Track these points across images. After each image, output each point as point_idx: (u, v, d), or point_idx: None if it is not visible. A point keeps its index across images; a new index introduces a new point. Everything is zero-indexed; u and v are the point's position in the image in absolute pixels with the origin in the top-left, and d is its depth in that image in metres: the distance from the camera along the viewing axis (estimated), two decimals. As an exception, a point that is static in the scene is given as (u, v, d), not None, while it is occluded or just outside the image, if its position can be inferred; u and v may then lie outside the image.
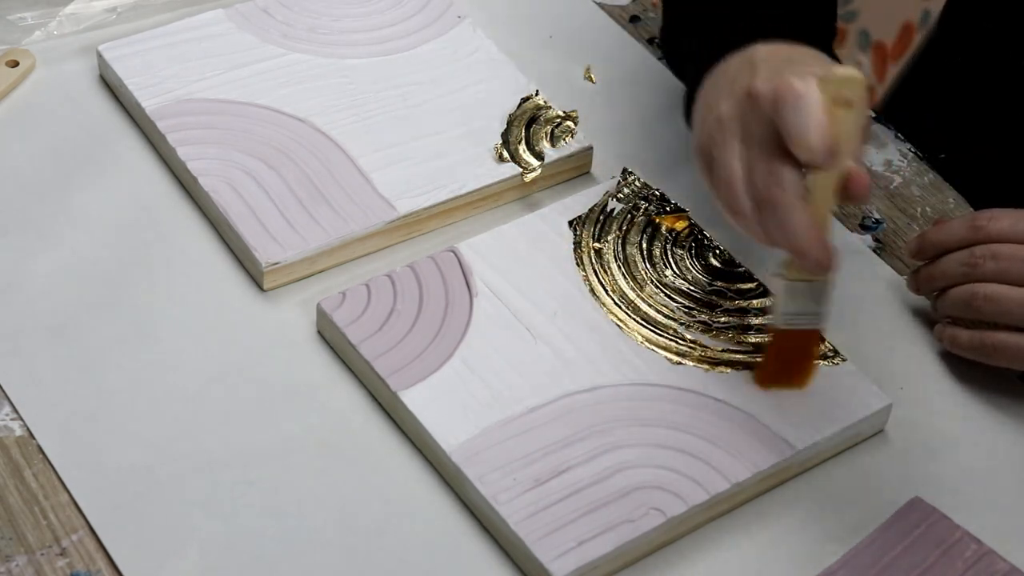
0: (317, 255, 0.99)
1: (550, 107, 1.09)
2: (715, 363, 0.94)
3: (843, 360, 0.95)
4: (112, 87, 1.10)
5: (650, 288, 0.99)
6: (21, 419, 0.91)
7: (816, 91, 0.81)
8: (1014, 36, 1.15)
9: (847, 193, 0.84)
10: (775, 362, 0.92)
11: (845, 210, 1.08)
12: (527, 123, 1.08)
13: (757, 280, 0.99)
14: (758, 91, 0.84)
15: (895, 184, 1.10)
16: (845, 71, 0.83)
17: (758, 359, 0.94)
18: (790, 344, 0.91)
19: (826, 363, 0.95)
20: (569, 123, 1.08)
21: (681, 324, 0.97)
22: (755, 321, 0.97)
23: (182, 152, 1.03)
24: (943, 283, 0.97)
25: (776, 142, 0.83)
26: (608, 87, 1.15)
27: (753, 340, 0.96)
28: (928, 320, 1.00)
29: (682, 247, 1.01)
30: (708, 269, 1.00)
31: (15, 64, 1.10)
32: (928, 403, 0.97)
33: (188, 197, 1.04)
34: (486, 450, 0.89)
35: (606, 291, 0.98)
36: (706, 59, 0.94)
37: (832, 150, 0.81)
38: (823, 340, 0.95)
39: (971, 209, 1.09)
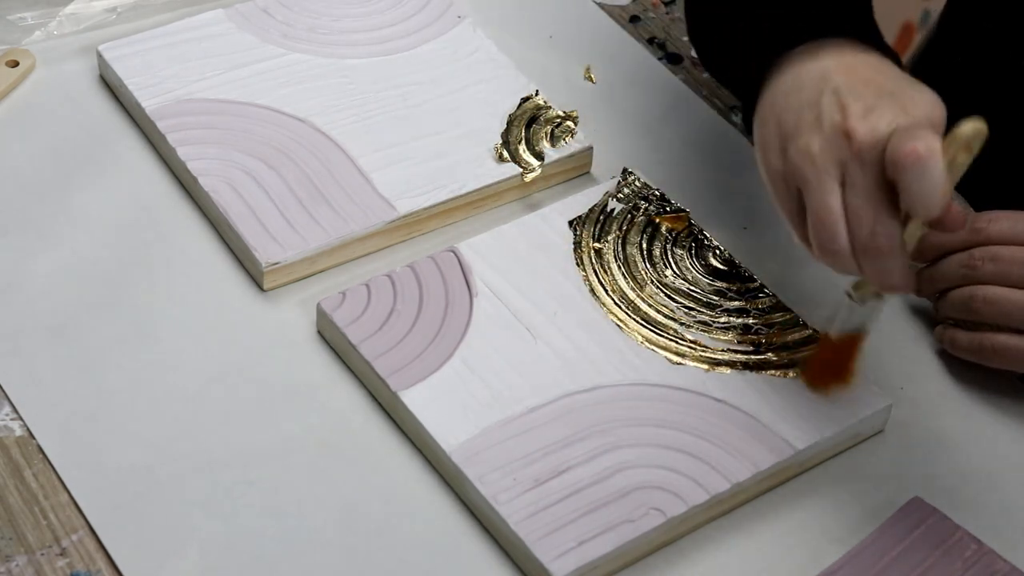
0: (317, 255, 0.99)
1: (550, 107, 1.09)
2: (715, 363, 0.94)
3: (843, 360, 0.95)
4: (112, 87, 1.10)
5: (650, 288, 0.99)
6: (21, 419, 0.91)
7: (939, 155, 0.80)
8: (1014, 36, 1.15)
9: (944, 227, 0.84)
10: (828, 364, 0.93)
11: (845, 210, 1.08)
12: (527, 123, 1.08)
13: (757, 280, 0.99)
14: (857, 135, 0.83)
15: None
16: (972, 128, 0.83)
17: (803, 358, 0.94)
18: (843, 347, 0.92)
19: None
20: (569, 123, 1.08)
21: (681, 324, 0.97)
22: (754, 321, 0.97)
23: (182, 152, 1.03)
24: (943, 285, 0.97)
25: (880, 191, 0.82)
26: (608, 87, 1.15)
27: (753, 340, 0.96)
28: (928, 320, 1.01)
29: (682, 247, 1.01)
30: (708, 269, 1.00)
31: (15, 64, 1.10)
32: (928, 403, 0.97)
33: (188, 197, 1.04)
34: (486, 450, 0.89)
35: (606, 291, 0.98)
36: (755, 49, 0.92)
37: (948, 206, 0.82)
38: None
39: (971, 209, 1.09)
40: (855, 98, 0.85)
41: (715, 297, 0.98)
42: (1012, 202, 1.00)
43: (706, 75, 1.16)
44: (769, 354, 0.95)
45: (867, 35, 0.91)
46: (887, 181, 0.82)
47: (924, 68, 1.29)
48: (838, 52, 0.89)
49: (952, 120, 1.17)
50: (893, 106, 0.84)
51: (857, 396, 0.93)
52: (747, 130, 0.95)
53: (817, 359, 0.94)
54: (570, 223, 1.02)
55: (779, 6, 0.94)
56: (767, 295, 0.99)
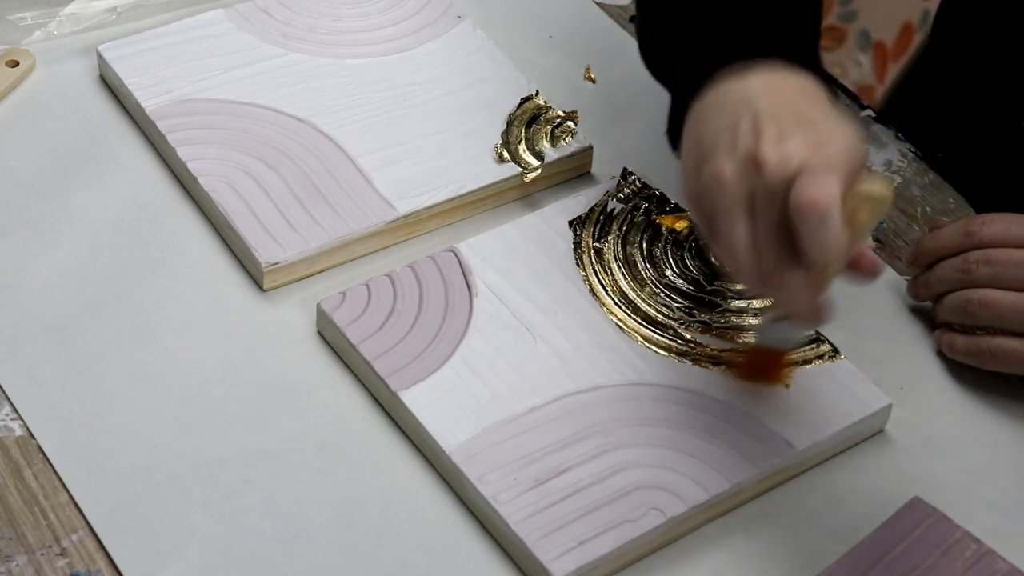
0: (317, 255, 0.99)
1: (550, 107, 1.09)
2: (715, 363, 0.94)
3: (843, 360, 0.95)
4: (112, 87, 1.10)
5: (650, 288, 0.99)
6: (21, 419, 0.91)
7: (837, 208, 0.79)
8: (1010, 35, 1.15)
9: (857, 271, 0.84)
10: (754, 365, 0.93)
11: (845, 210, 1.08)
12: (527, 123, 1.08)
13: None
14: (765, 164, 0.81)
15: (895, 184, 1.10)
16: (876, 188, 0.81)
17: (735, 357, 0.95)
18: (768, 355, 0.93)
19: (823, 362, 0.95)
20: (569, 123, 1.08)
21: (681, 324, 0.97)
22: (754, 322, 0.97)
23: (182, 152, 1.03)
24: (940, 289, 0.97)
25: (785, 224, 0.81)
26: (608, 87, 1.15)
27: (752, 341, 0.96)
28: (929, 320, 1.00)
29: (682, 247, 1.01)
30: (708, 269, 1.00)
31: (15, 64, 1.10)
32: (928, 403, 0.97)
33: (188, 197, 1.04)
34: (486, 450, 0.89)
35: (606, 291, 0.98)
36: (691, 65, 0.91)
37: (846, 257, 0.81)
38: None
39: (971, 209, 1.09)
40: (772, 124, 0.83)
41: (715, 297, 0.98)
42: (1012, 200, 1.00)
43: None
44: (769, 354, 0.95)
45: (803, 59, 0.89)
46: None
47: (924, 68, 1.29)
48: (767, 74, 0.87)
49: (950, 121, 1.17)
50: (809, 137, 0.82)
51: (857, 396, 0.93)
52: (672, 144, 0.93)
53: (746, 364, 0.94)
54: (570, 223, 1.02)
55: (718, 24, 0.92)
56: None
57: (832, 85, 0.91)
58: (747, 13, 0.92)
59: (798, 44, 0.91)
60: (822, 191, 0.79)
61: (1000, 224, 0.95)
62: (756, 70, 0.87)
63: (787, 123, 0.83)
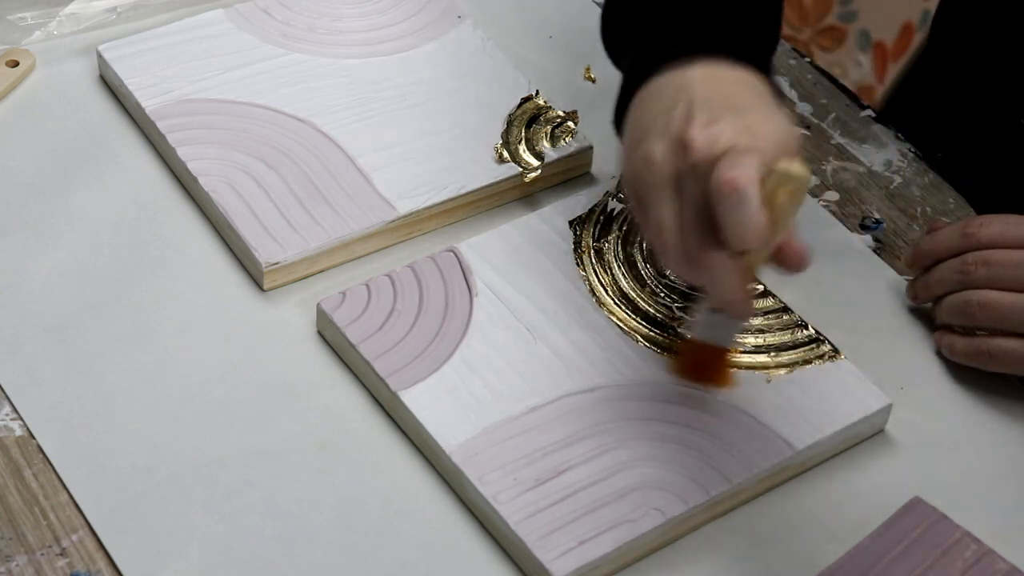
0: (317, 255, 0.99)
1: (550, 107, 1.09)
2: (715, 363, 0.94)
3: (843, 360, 0.95)
4: (112, 87, 1.10)
5: (650, 288, 0.99)
6: (21, 419, 0.91)
7: (755, 187, 0.79)
8: (1008, 35, 1.15)
9: (782, 264, 0.84)
10: (691, 362, 0.92)
11: (845, 210, 1.08)
12: (527, 123, 1.08)
13: (757, 280, 0.99)
14: (692, 145, 0.82)
15: (895, 184, 1.10)
16: (793, 167, 0.81)
17: (678, 351, 0.94)
18: (706, 352, 0.90)
19: (823, 362, 0.95)
20: (569, 123, 1.08)
21: (681, 324, 0.97)
22: (754, 322, 0.97)
23: (182, 152, 1.03)
24: (939, 291, 0.97)
25: (709, 208, 0.81)
26: (608, 87, 1.14)
27: (752, 341, 0.96)
28: (929, 321, 1.00)
29: (682, 247, 1.01)
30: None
31: (15, 64, 1.10)
32: (928, 403, 0.97)
33: (188, 197, 1.04)
34: (486, 450, 0.89)
35: (606, 291, 0.98)
36: (641, 55, 0.92)
37: (766, 241, 0.81)
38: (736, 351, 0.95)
39: (971, 209, 1.09)
40: (704, 110, 0.83)
41: (715, 297, 0.98)
42: (1012, 199, 1.00)
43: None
44: (769, 354, 0.95)
45: (751, 57, 0.89)
46: None
47: (924, 68, 1.29)
48: (710, 66, 0.87)
49: (950, 121, 1.17)
50: (740, 123, 0.82)
51: (857, 396, 0.93)
52: (617, 131, 0.94)
53: (685, 360, 0.92)
54: (570, 223, 1.02)
55: (671, 17, 0.93)
56: (767, 295, 0.99)
57: (778, 88, 0.91)
58: (702, 9, 0.92)
59: (748, 43, 0.91)
60: (739, 171, 0.80)
61: (998, 225, 0.95)
62: (700, 62, 0.88)
63: (719, 109, 0.84)
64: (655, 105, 0.87)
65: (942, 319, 0.98)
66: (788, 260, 0.84)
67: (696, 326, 0.90)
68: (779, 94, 0.90)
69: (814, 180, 1.09)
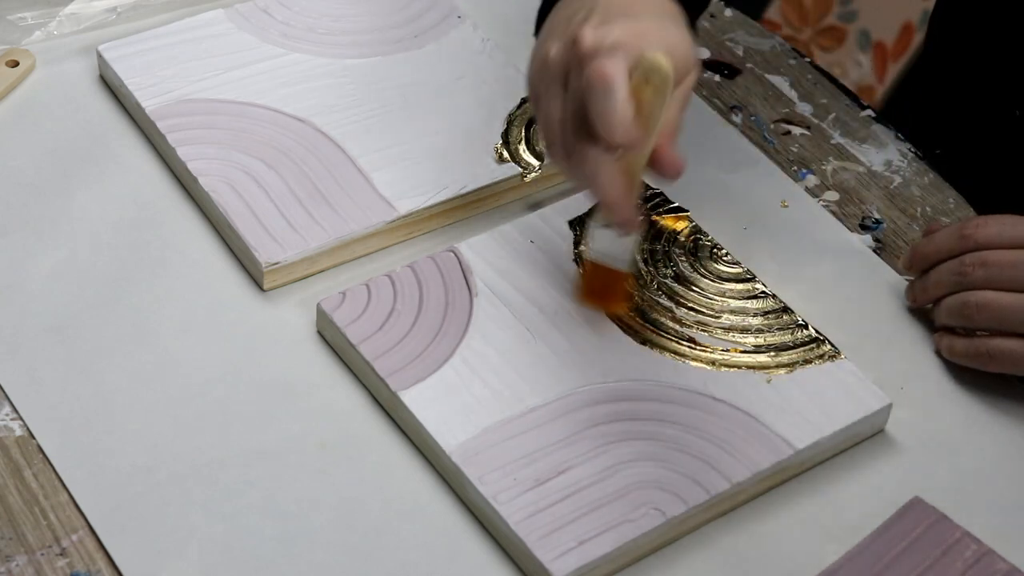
0: (317, 255, 0.99)
1: (550, 107, 1.09)
2: (715, 363, 0.94)
3: (843, 360, 0.95)
4: (112, 87, 1.11)
5: (650, 288, 0.99)
6: (21, 419, 0.91)
7: (623, 78, 0.83)
8: (1005, 35, 1.15)
9: (657, 170, 0.88)
10: (589, 286, 0.96)
11: (845, 210, 1.08)
12: (527, 123, 1.08)
13: (757, 280, 0.99)
14: (581, 41, 0.85)
15: (895, 184, 1.10)
16: (652, 59, 0.84)
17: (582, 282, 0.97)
18: (602, 275, 0.94)
19: (823, 362, 0.95)
20: (569, 123, 1.08)
21: (681, 324, 0.97)
22: (755, 322, 0.97)
23: (182, 152, 1.03)
24: (937, 293, 0.97)
25: None
26: (608, 87, 1.15)
27: (753, 341, 0.96)
28: (929, 321, 1.00)
29: (682, 247, 1.01)
30: (708, 269, 1.00)
31: (15, 64, 1.10)
32: (928, 403, 0.97)
33: (188, 197, 1.04)
34: (486, 450, 0.89)
35: (606, 291, 0.98)
36: None
37: (634, 136, 0.84)
38: (633, 278, 0.98)
39: (971, 209, 1.09)
40: (601, 13, 0.87)
41: (715, 297, 0.98)
42: (1012, 199, 1.00)
43: (706, 75, 1.16)
44: (769, 354, 0.95)
45: None
46: None
47: (924, 68, 1.29)
48: None
49: (950, 121, 1.17)
50: (632, 26, 0.86)
51: (857, 396, 0.93)
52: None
53: (584, 283, 0.96)
54: (570, 223, 1.02)
55: None
56: (767, 295, 0.99)
57: (690, 22, 0.94)
58: None
59: None
60: (610, 63, 0.83)
61: (995, 226, 0.96)
62: None
63: (615, 14, 0.87)
64: (562, 12, 0.91)
65: (941, 321, 0.98)
66: (663, 166, 0.87)
67: (591, 243, 0.93)
68: (691, 26, 0.92)
69: (814, 180, 1.10)
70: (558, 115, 0.87)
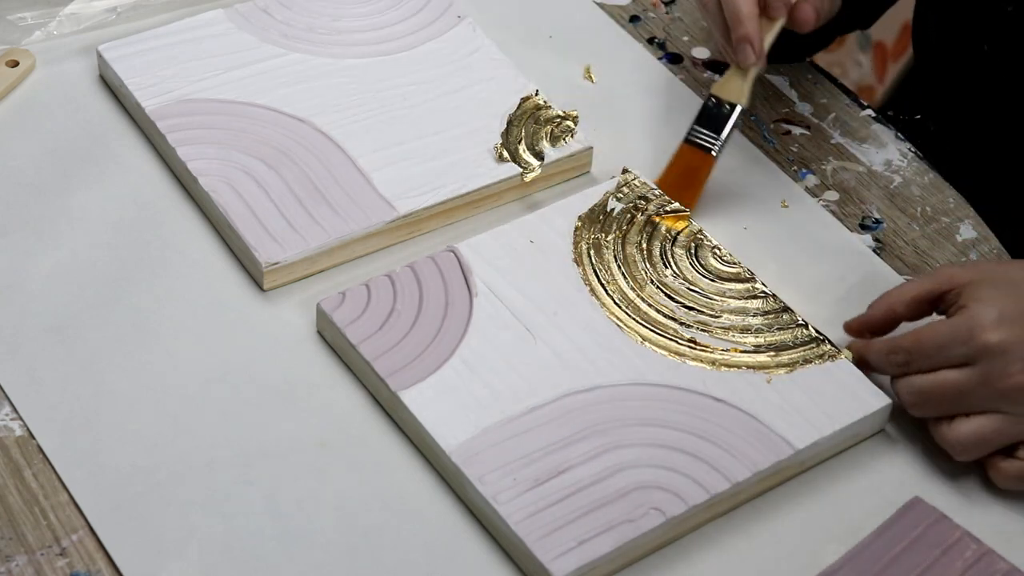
0: (317, 255, 0.99)
1: (550, 107, 1.09)
2: (715, 363, 0.94)
3: (844, 359, 0.95)
4: (112, 87, 1.11)
5: (650, 288, 0.99)
6: (21, 419, 0.91)
7: None
8: (997, 35, 1.15)
9: (791, 19, 1.02)
10: (672, 172, 1.05)
11: (845, 210, 1.08)
12: (527, 123, 1.08)
13: (757, 280, 0.99)
14: None
15: (895, 184, 1.10)
16: None
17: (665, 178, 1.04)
18: (686, 161, 1.04)
19: (823, 362, 0.95)
20: (569, 123, 1.08)
21: (681, 324, 0.97)
22: (755, 321, 0.97)
23: (182, 152, 1.03)
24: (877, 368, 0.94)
25: None
26: (608, 87, 1.15)
27: (753, 341, 0.96)
28: (928, 321, 1.00)
29: (682, 247, 1.01)
30: (708, 269, 1.00)
31: (15, 64, 1.10)
32: (928, 403, 0.96)
33: (188, 197, 1.04)
34: (486, 450, 0.89)
35: (606, 291, 0.98)
36: None
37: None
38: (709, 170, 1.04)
39: (971, 209, 1.09)
40: None
41: (715, 297, 0.98)
42: (1011, 202, 0.99)
43: (706, 75, 1.16)
44: (769, 354, 0.95)
45: None
46: None
47: (924, 68, 1.29)
48: None
49: (950, 121, 1.17)
50: None
51: (857, 396, 0.93)
52: None
53: (670, 172, 1.05)
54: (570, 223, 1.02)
55: None
56: (767, 295, 0.99)
57: None
58: None
59: None
60: None
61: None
62: None
63: None
64: None
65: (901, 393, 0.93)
66: (799, 18, 1.02)
67: (693, 125, 1.04)
68: None
69: (814, 180, 1.10)
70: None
